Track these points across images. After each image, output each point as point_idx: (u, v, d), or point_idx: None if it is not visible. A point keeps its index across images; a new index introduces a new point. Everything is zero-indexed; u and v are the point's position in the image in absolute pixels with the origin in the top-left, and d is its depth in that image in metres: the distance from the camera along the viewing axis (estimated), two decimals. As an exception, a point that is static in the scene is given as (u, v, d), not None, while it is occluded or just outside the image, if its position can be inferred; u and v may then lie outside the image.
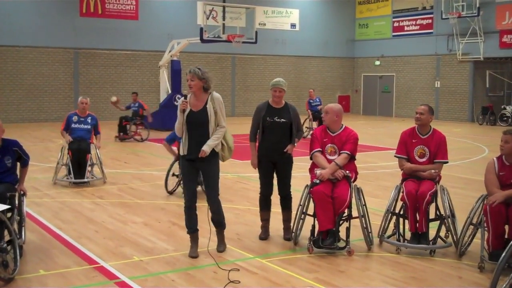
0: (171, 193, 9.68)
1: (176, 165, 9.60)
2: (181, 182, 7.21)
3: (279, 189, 6.96)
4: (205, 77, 6.13)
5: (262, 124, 6.81)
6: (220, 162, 6.37)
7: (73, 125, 10.72)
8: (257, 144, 6.96)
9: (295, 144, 6.84)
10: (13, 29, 23.63)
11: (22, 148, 6.44)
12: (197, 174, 6.33)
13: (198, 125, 6.10)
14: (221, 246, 6.46)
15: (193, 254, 6.26)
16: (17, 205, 6.27)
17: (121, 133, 17.79)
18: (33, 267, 5.86)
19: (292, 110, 6.87)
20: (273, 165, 6.86)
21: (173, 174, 9.77)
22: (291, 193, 6.97)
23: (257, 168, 6.95)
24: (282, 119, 6.76)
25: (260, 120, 6.82)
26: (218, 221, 6.40)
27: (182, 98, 6.24)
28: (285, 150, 6.76)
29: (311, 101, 19.68)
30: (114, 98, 18.49)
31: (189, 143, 6.16)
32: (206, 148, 6.04)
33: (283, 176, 6.90)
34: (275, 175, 6.95)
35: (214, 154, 6.19)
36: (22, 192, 6.44)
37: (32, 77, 24.34)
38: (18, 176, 6.49)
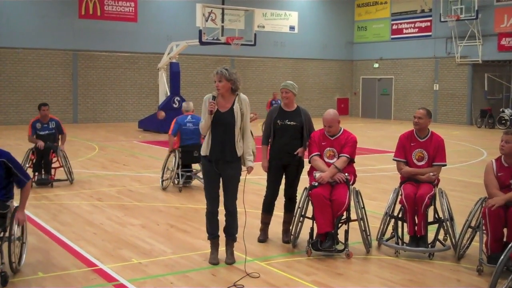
0: (165, 189, 10.18)
1: (171, 158, 10.29)
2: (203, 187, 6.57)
3: (286, 191, 6.99)
4: (233, 78, 5.96)
5: (273, 127, 6.84)
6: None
7: None
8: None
9: (306, 148, 6.84)
10: (12, 31, 23.63)
11: (14, 161, 5.67)
12: (219, 177, 6.09)
13: (224, 126, 5.93)
14: (230, 258, 6.16)
15: (214, 261, 6.09)
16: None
17: (40, 173, 10.49)
18: (31, 270, 5.85)
19: (304, 114, 6.89)
20: (283, 169, 6.88)
21: (168, 169, 10.33)
22: (297, 196, 6.97)
23: (266, 171, 6.97)
24: (292, 122, 6.79)
25: (271, 123, 6.85)
26: (230, 231, 6.17)
27: (210, 98, 5.97)
28: (295, 153, 6.78)
29: (273, 102, 19.94)
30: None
31: (212, 144, 5.98)
32: (252, 165, 6.06)
33: (292, 178, 6.92)
34: (283, 180, 6.98)
35: (237, 158, 6.04)
36: (16, 221, 5.56)
37: (31, 79, 24.34)
38: (18, 191, 5.76)
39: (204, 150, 6.05)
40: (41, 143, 10.28)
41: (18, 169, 5.67)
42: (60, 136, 10.79)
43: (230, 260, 6.13)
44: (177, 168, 10.11)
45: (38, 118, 10.62)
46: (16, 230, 5.58)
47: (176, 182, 10.27)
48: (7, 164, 5.59)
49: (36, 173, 10.38)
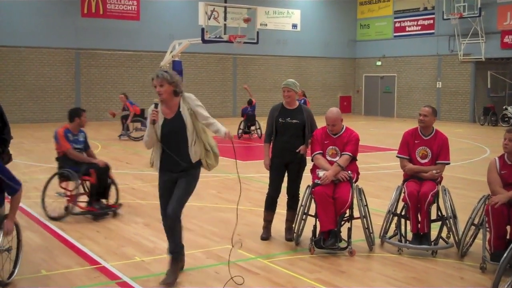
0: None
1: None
2: None
3: (288, 188, 7.00)
4: (175, 80, 5.33)
5: (274, 125, 6.85)
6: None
7: None
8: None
9: (308, 145, 6.84)
10: (15, 29, 23.66)
11: (3, 170, 5.26)
12: (174, 188, 5.49)
13: (175, 134, 5.35)
14: (169, 277, 5.38)
15: (165, 281, 5.37)
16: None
17: (95, 201, 8.19)
18: (35, 268, 5.87)
19: (305, 112, 6.89)
20: (285, 167, 6.89)
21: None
22: (299, 194, 6.97)
23: (268, 169, 6.99)
24: (294, 120, 6.79)
25: (273, 121, 6.85)
26: (170, 247, 5.50)
27: (152, 106, 5.37)
28: (297, 151, 6.78)
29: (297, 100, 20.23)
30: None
31: (163, 156, 5.42)
32: (223, 129, 5.35)
33: (294, 176, 6.92)
34: (285, 178, 6.99)
35: (193, 165, 5.43)
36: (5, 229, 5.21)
37: (33, 78, 24.37)
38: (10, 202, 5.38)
39: (155, 164, 5.52)
40: (102, 161, 8.26)
41: (8, 177, 5.24)
42: (87, 152, 8.41)
43: (168, 279, 5.39)
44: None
45: (68, 128, 8.20)
46: (2, 239, 5.21)
47: None
48: None
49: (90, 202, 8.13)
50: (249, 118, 19.27)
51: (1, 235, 5.19)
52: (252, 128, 19.38)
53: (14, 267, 5.45)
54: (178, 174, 5.43)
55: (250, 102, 19.51)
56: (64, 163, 8.09)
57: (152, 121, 5.34)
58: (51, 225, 7.64)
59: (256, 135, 19.19)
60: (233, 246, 5.72)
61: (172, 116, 5.40)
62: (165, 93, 5.32)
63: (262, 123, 16.81)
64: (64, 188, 8.05)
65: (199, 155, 5.44)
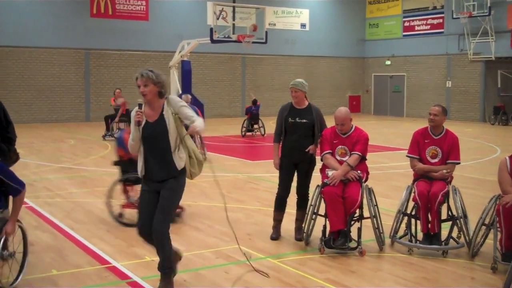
0: None
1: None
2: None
3: (298, 188, 6.99)
4: (160, 80, 5.00)
5: (284, 125, 6.85)
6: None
7: None
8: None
9: (318, 145, 6.84)
10: (25, 30, 23.79)
11: (6, 171, 5.08)
12: (158, 197, 5.13)
13: (156, 138, 5.01)
14: None
15: None
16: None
17: None
18: (45, 267, 5.90)
19: (315, 111, 6.88)
20: (294, 166, 6.89)
21: None
22: (309, 194, 6.97)
23: (278, 169, 6.99)
24: (303, 120, 6.79)
25: (282, 120, 6.85)
26: (160, 263, 5.22)
27: (136, 108, 5.04)
28: (306, 150, 6.77)
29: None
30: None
31: (146, 162, 5.10)
32: (194, 124, 4.99)
33: (304, 176, 6.92)
34: (294, 177, 6.99)
35: (178, 172, 5.09)
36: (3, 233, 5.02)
37: (43, 78, 24.50)
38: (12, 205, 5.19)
39: (139, 170, 5.17)
40: None
41: (11, 178, 5.06)
42: None
43: None
44: None
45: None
46: (3, 244, 5.03)
47: None
48: None
49: None
50: (252, 117, 20.04)
51: (2, 239, 5.02)
52: (255, 126, 20.02)
53: (19, 273, 5.34)
54: (161, 184, 5.08)
55: (255, 102, 20.33)
56: (128, 167, 7.81)
57: (136, 122, 5.00)
58: (62, 224, 7.68)
59: (259, 133, 19.72)
60: (247, 259, 5.73)
61: (155, 119, 5.05)
62: (150, 94, 4.99)
63: (271, 122, 16.83)
64: (127, 194, 7.93)
65: (184, 161, 5.10)
